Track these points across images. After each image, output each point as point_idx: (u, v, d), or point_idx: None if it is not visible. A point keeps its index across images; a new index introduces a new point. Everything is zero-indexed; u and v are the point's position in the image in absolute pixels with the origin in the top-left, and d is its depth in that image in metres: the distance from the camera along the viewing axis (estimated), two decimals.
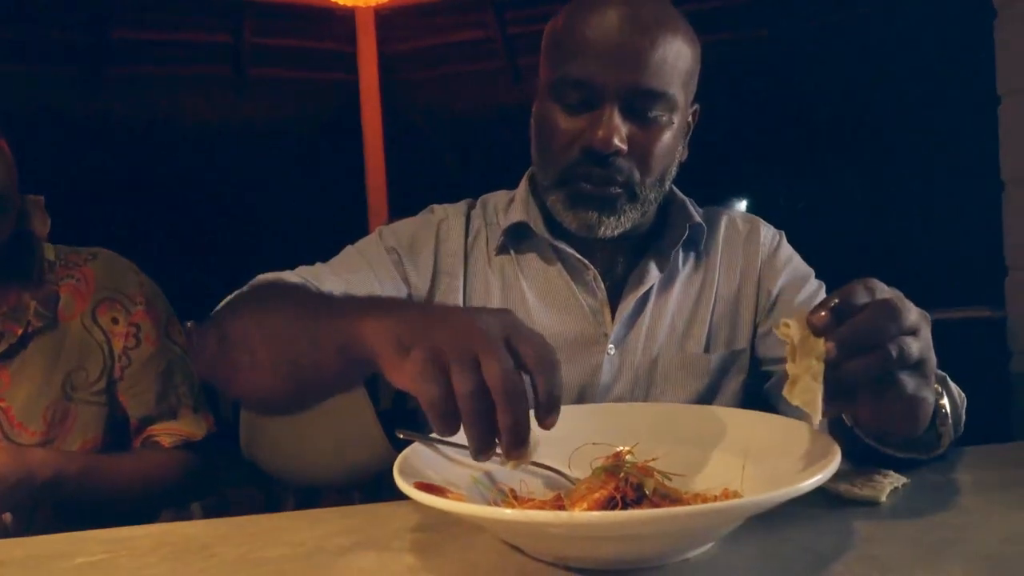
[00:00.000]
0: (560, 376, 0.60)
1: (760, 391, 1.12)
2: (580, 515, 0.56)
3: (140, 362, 1.23)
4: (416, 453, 0.73)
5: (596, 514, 0.56)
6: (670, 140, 1.02)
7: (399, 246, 1.10)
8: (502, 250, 1.12)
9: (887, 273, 0.74)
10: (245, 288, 0.94)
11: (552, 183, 1.04)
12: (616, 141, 0.98)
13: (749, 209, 1.25)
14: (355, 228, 5.64)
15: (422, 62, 6.35)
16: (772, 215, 1.22)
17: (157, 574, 0.67)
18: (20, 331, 1.16)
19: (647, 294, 1.09)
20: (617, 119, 0.97)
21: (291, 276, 1.00)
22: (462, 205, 1.17)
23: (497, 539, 0.69)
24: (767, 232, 1.17)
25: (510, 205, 1.15)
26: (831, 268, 1.17)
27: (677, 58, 0.99)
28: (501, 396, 0.55)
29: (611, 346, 1.07)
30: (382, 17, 5.31)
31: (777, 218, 1.21)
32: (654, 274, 1.09)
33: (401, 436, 0.79)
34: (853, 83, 5.94)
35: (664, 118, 1.00)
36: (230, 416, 2.40)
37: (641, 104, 0.98)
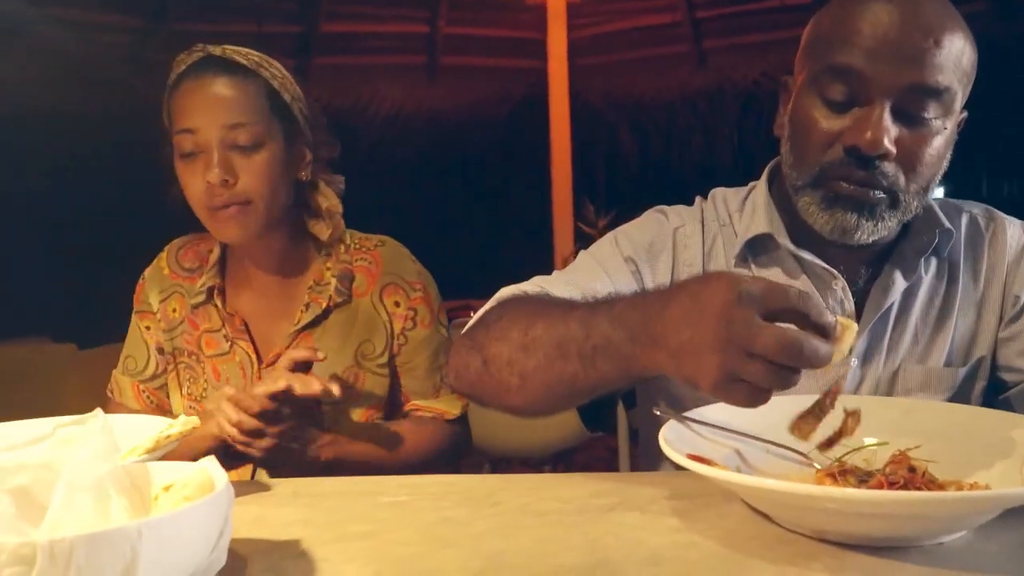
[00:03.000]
0: (817, 300, 0.68)
1: (994, 397, 1.08)
2: (872, 493, 0.63)
3: (415, 342, 1.36)
4: (673, 429, 0.81)
5: (882, 493, 0.63)
6: (941, 146, 0.96)
7: (636, 255, 1.09)
8: (741, 261, 1.09)
9: None
10: (493, 304, 0.99)
11: (807, 182, 1.00)
12: (886, 142, 0.92)
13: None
14: (541, 212, 5.80)
15: (607, 47, 6.39)
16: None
17: (455, 515, 0.79)
18: (325, 304, 1.34)
19: (891, 305, 1.05)
20: (888, 118, 0.92)
21: (530, 288, 1.01)
22: (695, 209, 1.15)
23: (748, 510, 0.76)
24: (1014, 230, 1.10)
25: (744, 207, 1.12)
26: None
27: (960, 55, 0.93)
28: (787, 359, 0.64)
29: (854, 360, 1.04)
30: (572, 5, 5.42)
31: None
32: (900, 284, 1.05)
33: (658, 413, 0.87)
34: None
35: (938, 121, 0.94)
36: None
37: (915, 103, 0.93)
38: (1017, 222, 1.12)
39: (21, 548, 0.53)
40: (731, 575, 0.64)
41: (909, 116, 0.94)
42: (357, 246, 1.40)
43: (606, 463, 3.34)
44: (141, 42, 5.49)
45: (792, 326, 0.67)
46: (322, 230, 1.37)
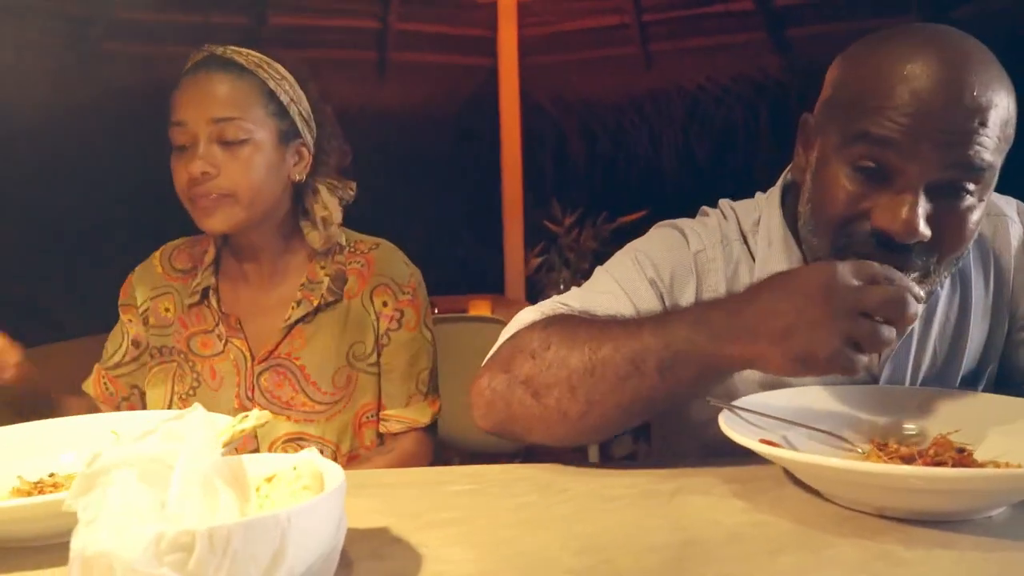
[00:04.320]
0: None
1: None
2: (954, 471, 0.70)
3: (397, 344, 1.38)
4: (729, 418, 0.87)
5: (960, 471, 0.71)
6: (978, 217, 0.91)
7: (659, 280, 1.05)
8: None
9: None
10: (521, 329, 0.96)
11: (829, 252, 0.94)
12: (921, 228, 0.86)
13: None
14: (490, 209, 5.84)
15: (556, 47, 6.47)
16: None
17: (531, 501, 0.84)
18: (316, 302, 1.36)
19: (912, 328, 1.02)
20: (923, 202, 0.86)
21: (550, 309, 1.00)
22: (713, 229, 1.09)
23: (800, 492, 0.83)
24: (1015, 228, 1.07)
25: (758, 230, 1.07)
26: None
27: (1005, 125, 0.88)
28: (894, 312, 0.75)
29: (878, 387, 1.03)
30: (523, 4, 5.47)
31: None
32: (919, 306, 0.96)
33: (711, 402, 0.92)
34: None
35: (976, 195, 0.88)
36: None
37: (953, 181, 0.87)
38: (1014, 216, 1.08)
39: (181, 536, 0.56)
40: (814, 549, 0.70)
41: (945, 191, 0.88)
42: (352, 248, 1.43)
43: (573, 454, 3.41)
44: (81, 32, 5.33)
45: None
46: (315, 239, 1.39)
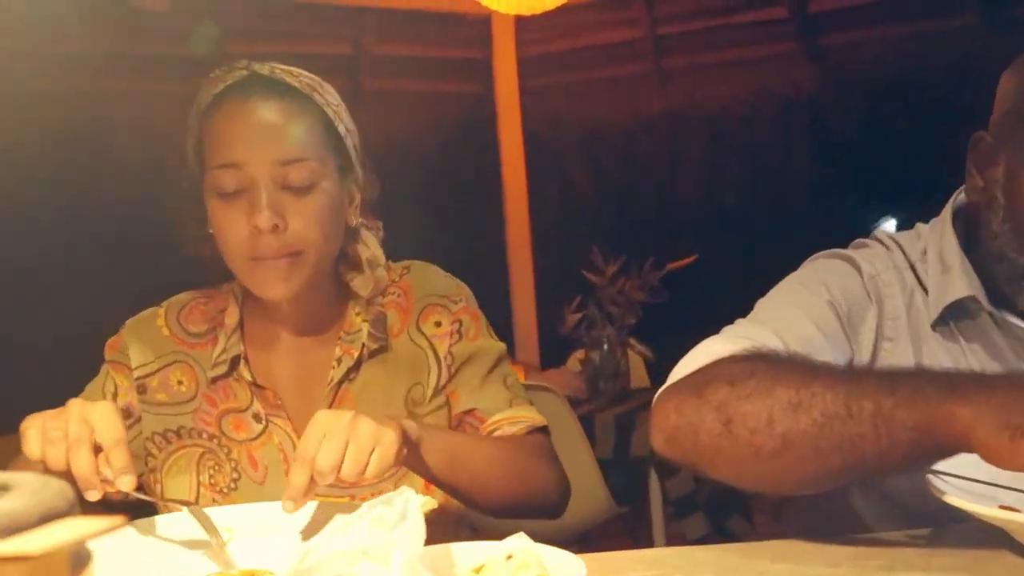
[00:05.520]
0: None
1: None
2: None
3: (464, 355, 1.34)
4: (942, 485, 0.90)
5: None
6: None
7: (838, 305, 1.12)
8: (941, 323, 1.14)
9: None
10: (702, 363, 1.01)
11: None
12: None
13: None
14: (490, 253, 5.88)
15: (556, 66, 6.59)
16: None
17: None
18: (357, 354, 1.32)
19: None
20: None
21: (746, 341, 1.04)
22: (883, 257, 1.18)
23: (1018, 559, 0.87)
24: None
25: (926, 258, 1.16)
26: None
27: None
28: None
29: None
30: (522, 20, 5.57)
31: None
32: None
33: (940, 477, 0.93)
34: None
35: None
36: None
37: None
38: None
39: None
40: None
41: None
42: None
43: (627, 535, 3.41)
44: None
45: None
46: (362, 285, 1.35)
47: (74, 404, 1.06)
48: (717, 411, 0.94)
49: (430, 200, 6.93)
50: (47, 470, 1.01)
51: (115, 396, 1.37)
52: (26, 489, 0.46)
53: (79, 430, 1.01)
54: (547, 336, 4.68)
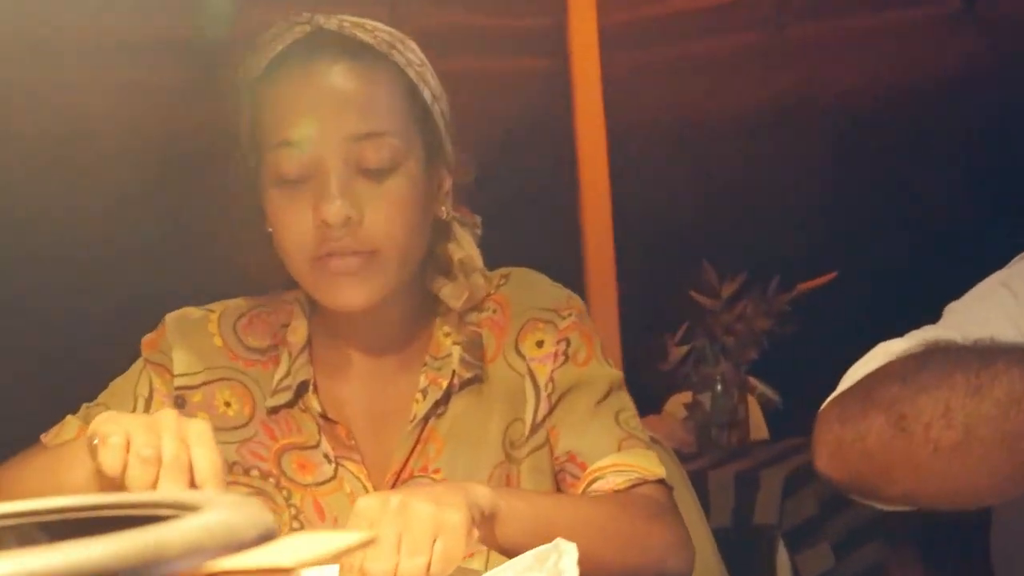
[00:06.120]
0: None
1: None
2: None
3: (569, 383, 1.35)
4: None
5: None
6: None
7: None
8: None
9: None
10: (873, 367, 1.06)
11: None
12: None
13: None
14: (565, 270, 5.92)
15: (643, 38, 6.65)
16: None
17: None
18: (446, 384, 1.32)
19: None
20: None
21: (914, 336, 1.10)
22: None
23: None
24: None
25: None
26: None
27: None
28: None
29: None
30: None
31: None
32: None
33: None
34: None
35: None
36: None
37: None
38: None
39: None
40: None
41: None
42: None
43: None
44: None
45: None
46: (454, 295, 1.34)
47: (168, 417, 1.06)
48: (887, 411, 0.98)
49: (489, 204, 7.01)
50: (111, 486, 1.03)
51: (149, 401, 1.38)
52: (231, 504, 0.51)
53: (177, 452, 1.01)
54: (634, 374, 4.66)
